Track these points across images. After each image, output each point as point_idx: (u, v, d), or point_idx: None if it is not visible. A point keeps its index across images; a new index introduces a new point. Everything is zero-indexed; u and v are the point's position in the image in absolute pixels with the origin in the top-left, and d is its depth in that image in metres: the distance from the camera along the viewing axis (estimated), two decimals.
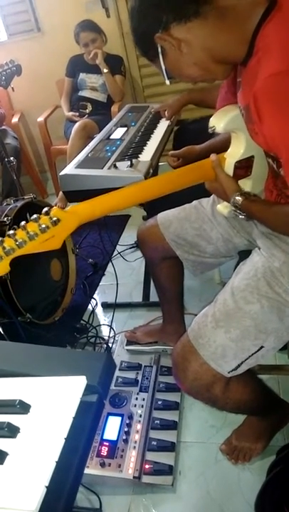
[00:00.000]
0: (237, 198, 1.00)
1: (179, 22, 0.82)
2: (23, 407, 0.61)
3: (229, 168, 1.05)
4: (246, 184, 1.08)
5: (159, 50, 0.87)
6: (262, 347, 1.02)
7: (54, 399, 0.63)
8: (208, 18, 0.81)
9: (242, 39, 0.82)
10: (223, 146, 1.19)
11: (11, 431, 0.58)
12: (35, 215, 0.87)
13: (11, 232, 0.85)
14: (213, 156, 1.04)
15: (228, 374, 1.03)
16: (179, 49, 0.86)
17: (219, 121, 0.96)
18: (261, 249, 1.10)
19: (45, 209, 0.88)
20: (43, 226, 0.86)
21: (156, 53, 0.89)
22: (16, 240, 0.84)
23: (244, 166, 1.05)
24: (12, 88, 2.30)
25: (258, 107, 0.78)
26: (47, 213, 0.88)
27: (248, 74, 0.85)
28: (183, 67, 0.90)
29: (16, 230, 0.86)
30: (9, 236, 0.84)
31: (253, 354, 1.02)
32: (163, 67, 0.91)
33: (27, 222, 0.87)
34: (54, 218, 0.88)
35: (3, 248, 0.84)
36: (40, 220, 0.87)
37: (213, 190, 1.08)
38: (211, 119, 0.98)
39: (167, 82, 0.94)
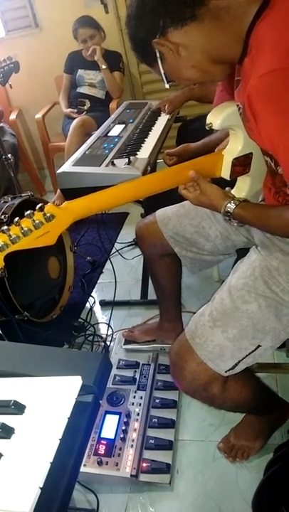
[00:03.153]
0: (229, 205, 0.98)
1: (176, 27, 0.82)
2: (17, 408, 0.61)
3: (227, 165, 1.04)
4: (246, 181, 1.07)
5: (158, 55, 0.88)
6: (259, 346, 1.02)
7: (49, 399, 0.62)
8: (204, 20, 0.81)
9: (237, 38, 0.82)
10: (219, 144, 1.18)
11: (6, 431, 0.58)
12: (29, 211, 0.86)
13: (5, 227, 0.84)
14: (192, 173, 1.01)
15: (225, 373, 1.03)
16: (177, 53, 0.86)
17: (216, 118, 0.96)
18: (259, 247, 1.09)
19: (39, 205, 0.88)
20: (37, 222, 0.86)
21: (154, 58, 0.89)
22: (9, 236, 0.84)
23: (242, 163, 1.04)
24: (10, 85, 2.28)
25: (252, 107, 0.78)
26: (41, 209, 0.87)
27: (244, 72, 0.85)
28: (182, 70, 0.90)
29: (9, 225, 0.86)
30: (3, 232, 0.84)
31: (250, 353, 1.02)
32: (162, 72, 0.91)
33: (21, 218, 0.87)
34: (48, 214, 0.87)
35: None
36: (34, 216, 0.87)
37: (200, 203, 1.05)
38: (208, 116, 0.98)
39: (167, 85, 0.94)
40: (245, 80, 0.82)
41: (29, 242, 0.86)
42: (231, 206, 0.98)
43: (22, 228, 0.85)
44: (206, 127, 0.98)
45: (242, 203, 0.98)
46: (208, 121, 0.97)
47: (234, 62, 0.88)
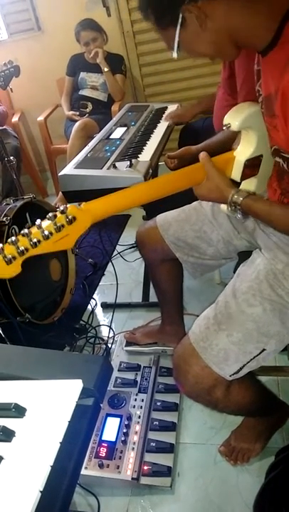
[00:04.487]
0: (237, 195, 0.96)
1: None
2: (18, 411, 0.61)
3: (239, 166, 1.02)
4: (252, 183, 1.06)
5: (180, 20, 0.80)
6: (264, 350, 1.01)
7: (50, 402, 0.62)
8: None
9: (270, 25, 0.78)
10: (220, 146, 1.18)
11: (6, 435, 0.58)
12: (50, 214, 0.82)
13: (26, 231, 0.81)
14: (202, 154, 0.98)
15: (229, 377, 1.02)
16: (203, 24, 0.80)
17: (234, 120, 0.95)
18: (263, 250, 1.09)
19: (62, 207, 0.84)
20: (59, 225, 0.82)
21: (172, 22, 0.81)
22: (30, 240, 0.80)
23: (252, 165, 1.03)
24: (11, 89, 2.29)
25: (285, 103, 0.74)
26: (63, 212, 0.83)
27: (272, 63, 0.81)
28: (199, 43, 0.85)
29: (30, 227, 0.82)
30: (23, 235, 0.80)
31: (254, 357, 1.02)
32: (176, 39, 0.84)
33: (42, 220, 0.83)
34: (70, 217, 0.83)
35: (17, 248, 0.79)
36: (56, 219, 0.83)
37: (207, 189, 1.01)
38: (226, 116, 0.96)
39: (175, 54, 0.87)
40: (274, 72, 0.77)
41: (48, 246, 0.82)
42: (241, 194, 0.95)
43: (43, 231, 0.81)
44: (223, 127, 0.96)
45: (251, 195, 0.96)
46: (225, 121, 0.96)
47: (256, 49, 0.84)
